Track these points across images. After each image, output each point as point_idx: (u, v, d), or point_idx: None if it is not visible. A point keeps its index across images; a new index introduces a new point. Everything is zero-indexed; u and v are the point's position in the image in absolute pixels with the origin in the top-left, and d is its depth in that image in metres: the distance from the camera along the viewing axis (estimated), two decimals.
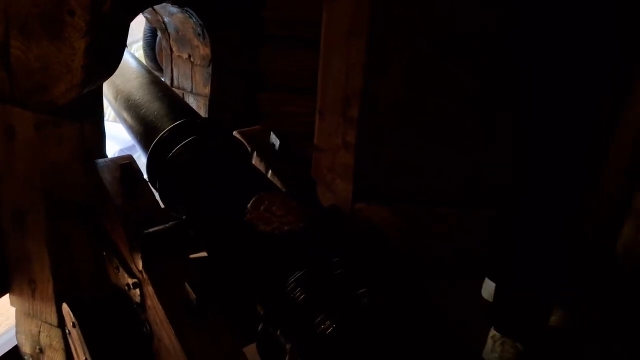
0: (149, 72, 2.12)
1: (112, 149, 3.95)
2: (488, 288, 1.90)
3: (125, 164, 1.52)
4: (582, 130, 1.93)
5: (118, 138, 3.63)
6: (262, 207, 1.25)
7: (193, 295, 1.14)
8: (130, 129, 1.88)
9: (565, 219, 1.85)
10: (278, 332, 1.00)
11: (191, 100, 2.64)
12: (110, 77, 1.58)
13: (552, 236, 1.85)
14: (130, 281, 1.39)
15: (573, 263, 1.63)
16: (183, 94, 2.67)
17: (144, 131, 1.77)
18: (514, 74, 2.03)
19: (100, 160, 1.57)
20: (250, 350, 1.17)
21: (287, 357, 0.96)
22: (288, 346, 0.97)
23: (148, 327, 1.37)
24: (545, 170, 2.01)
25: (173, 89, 2.63)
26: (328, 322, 0.97)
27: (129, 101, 1.90)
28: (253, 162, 1.78)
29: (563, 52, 1.94)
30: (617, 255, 1.58)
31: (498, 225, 1.99)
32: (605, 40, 1.83)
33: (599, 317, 1.48)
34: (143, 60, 2.93)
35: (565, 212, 1.89)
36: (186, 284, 1.17)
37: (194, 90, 2.65)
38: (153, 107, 1.79)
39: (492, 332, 1.54)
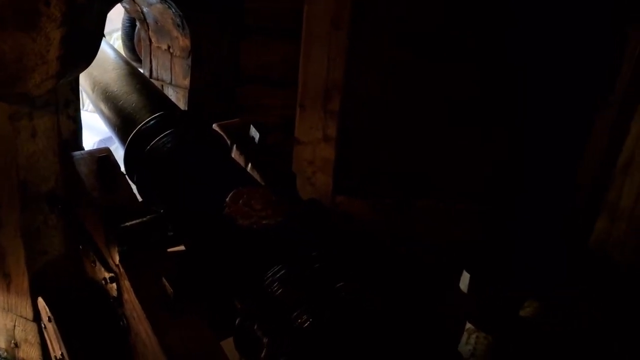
0: (127, 63, 2.09)
1: (91, 140, 3.90)
2: (466, 281, 1.92)
3: (102, 156, 1.50)
4: (579, 128, 1.95)
5: (96, 129, 3.58)
6: (240, 201, 1.24)
7: (170, 290, 1.13)
8: (108, 121, 1.85)
9: (563, 217, 1.88)
10: (255, 327, 1.00)
11: (170, 92, 2.61)
12: (88, 69, 1.55)
13: (550, 235, 1.87)
14: (107, 275, 1.37)
15: (571, 262, 1.64)
16: (162, 85, 2.64)
17: (121, 123, 1.74)
18: (510, 73, 2.04)
19: (77, 153, 1.55)
20: (228, 344, 1.17)
21: (264, 351, 0.96)
22: (265, 340, 0.97)
23: (125, 322, 1.36)
24: (541, 168, 2.03)
25: (152, 80, 2.60)
26: (305, 316, 0.97)
27: (106, 93, 1.87)
28: (233, 155, 1.77)
29: (559, 51, 1.96)
30: (591, 247, 1.61)
31: (495, 224, 2.01)
32: (601, 40, 1.85)
33: (599, 316, 1.49)
34: (121, 51, 2.89)
35: (563, 210, 1.91)
36: (163, 278, 1.16)
37: (173, 82, 2.61)
38: (131, 99, 1.77)
39: (467, 325, 1.55)
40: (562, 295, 1.53)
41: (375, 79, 2.44)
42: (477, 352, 1.54)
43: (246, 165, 1.73)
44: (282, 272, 1.05)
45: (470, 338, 1.55)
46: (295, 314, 0.98)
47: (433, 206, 2.45)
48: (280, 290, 1.02)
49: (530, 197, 2.02)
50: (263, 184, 1.60)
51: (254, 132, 1.78)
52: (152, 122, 1.59)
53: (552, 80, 1.96)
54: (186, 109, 2.52)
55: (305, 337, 0.95)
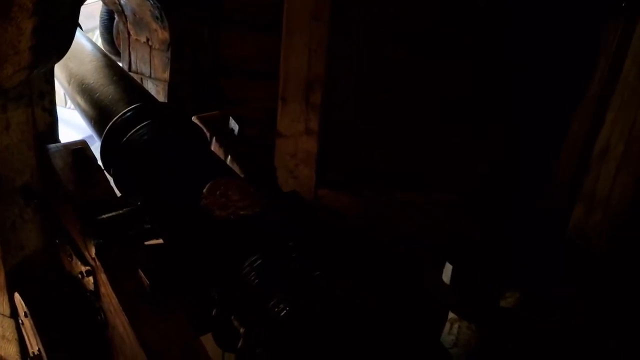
0: (104, 55, 2.06)
1: (73, 138, 3.82)
2: (448, 273, 1.93)
3: (78, 149, 1.48)
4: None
5: (81, 126, 3.52)
6: (217, 193, 1.23)
7: (146, 282, 1.12)
8: (84, 113, 1.83)
9: (561, 215, 1.88)
10: (232, 317, 0.99)
11: (150, 86, 2.58)
12: (64, 60, 1.53)
13: (548, 233, 1.88)
14: (83, 269, 1.36)
15: (569, 261, 1.65)
16: (142, 79, 2.62)
17: (98, 116, 1.72)
18: (508, 72, 2.05)
19: (52, 146, 1.52)
20: (210, 339, 1.16)
21: (240, 341, 0.96)
22: (242, 330, 0.97)
23: (102, 316, 1.34)
24: (540, 166, 2.03)
25: (131, 73, 2.57)
26: (282, 306, 0.96)
27: (82, 85, 1.84)
28: (212, 147, 1.75)
29: (557, 48, 1.96)
30: (569, 235, 1.63)
31: (493, 222, 2.01)
32: (595, 35, 1.85)
33: (594, 314, 1.50)
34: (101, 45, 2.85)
35: (561, 209, 1.92)
36: (139, 271, 1.15)
37: (152, 75, 2.59)
38: (108, 91, 1.74)
39: (450, 314, 1.56)
40: (560, 293, 1.54)
41: (358, 71, 2.44)
42: (460, 342, 1.56)
43: (225, 157, 1.72)
44: (259, 262, 1.04)
45: (453, 328, 1.56)
46: (272, 303, 0.98)
47: (415, 199, 2.46)
48: (257, 280, 1.02)
49: (528, 195, 2.02)
50: (242, 175, 1.59)
51: (234, 124, 1.77)
52: (128, 114, 1.57)
53: (550, 78, 1.96)
54: (166, 102, 2.50)
55: (282, 327, 0.95)
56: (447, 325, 1.58)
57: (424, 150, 2.37)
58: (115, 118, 1.58)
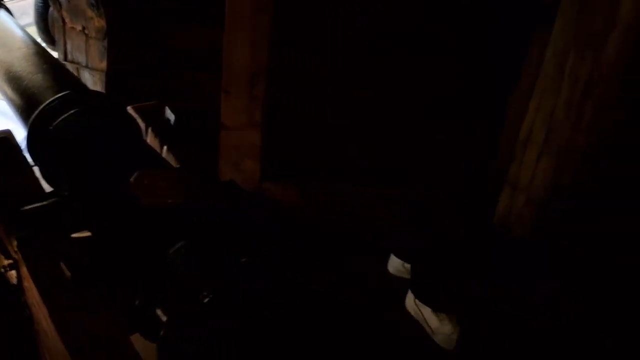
0: (35, 43, 1.98)
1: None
2: (393, 264, 1.96)
3: (1, 138, 1.42)
4: None
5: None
6: (145, 181, 1.20)
7: (68, 273, 1.08)
8: (11, 102, 1.75)
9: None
10: (154, 304, 0.97)
11: (87, 76, 2.50)
12: None
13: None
14: (6, 262, 1.30)
15: (552, 257, 1.67)
16: (78, 68, 2.53)
17: (25, 104, 1.65)
18: (492, 70, 2.06)
19: None
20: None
21: (162, 330, 0.93)
22: (164, 319, 0.94)
23: (28, 310, 1.29)
24: None
25: (67, 63, 2.49)
26: (205, 293, 0.95)
27: (10, 73, 1.77)
28: (148, 138, 1.72)
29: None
30: (496, 222, 1.66)
31: (477, 220, 2.02)
32: None
33: (579, 310, 1.52)
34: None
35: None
36: (61, 263, 1.11)
37: (89, 65, 2.51)
38: (36, 79, 1.68)
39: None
40: (544, 290, 1.56)
41: (302, 63, 2.43)
42: (444, 336, 1.58)
43: (161, 147, 1.69)
44: (184, 248, 1.02)
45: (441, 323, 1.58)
46: (196, 290, 0.96)
47: (361, 192, 2.47)
48: (181, 267, 1.00)
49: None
50: (178, 165, 1.57)
51: (170, 114, 1.73)
52: (55, 102, 1.51)
53: None
54: (99, 91, 2.43)
55: (205, 314, 0.93)
56: (435, 320, 1.60)
57: (401, 147, 2.36)
58: (42, 106, 1.52)
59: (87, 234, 1.35)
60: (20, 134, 1.67)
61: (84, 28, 2.47)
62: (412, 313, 1.72)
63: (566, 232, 1.53)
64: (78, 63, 2.54)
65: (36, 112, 1.52)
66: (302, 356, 0.95)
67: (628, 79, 1.30)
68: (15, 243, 1.27)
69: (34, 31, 3.31)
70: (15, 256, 1.28)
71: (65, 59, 2.57)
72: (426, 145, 2.23)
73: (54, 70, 1.75)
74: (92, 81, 2.47)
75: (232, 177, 2.55)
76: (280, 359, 0.92)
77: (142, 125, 1.71)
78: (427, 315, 1.67)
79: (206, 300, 0.92)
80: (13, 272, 1.31)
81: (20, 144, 1.58)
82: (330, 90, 2.41)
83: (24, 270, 1.25)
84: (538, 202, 1.51)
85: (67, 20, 2.53)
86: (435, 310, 1.64)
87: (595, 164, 1.44)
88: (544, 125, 1.48)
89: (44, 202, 1.29)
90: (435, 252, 1.87)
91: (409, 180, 2.24)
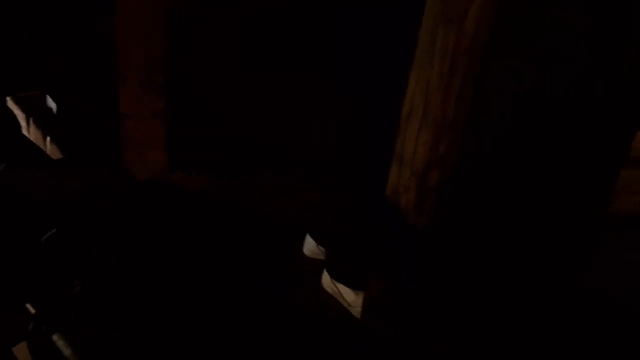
0: None
1: None
2: (308, 245, 1.99)
3: None
4: None
5: None
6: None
7: None
8: None
9: None
10: (22, 295, 0.94)
11: None
12: None
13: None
14: None
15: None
16: None
17: None
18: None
19: None
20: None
21: (31, 324, 0.91)
22: (33, 311, 0.92)
23: None
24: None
25: None
26: (76, 281, 0.94)
27: None
28: (29, 129, 1.64)
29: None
30: (386, 198, 1.72)
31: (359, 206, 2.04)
32: None
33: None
34: None
35: None
36: None
37: None
38: None
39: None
40: (419, 284, 1.62)
41: (204, 48, 2.41)
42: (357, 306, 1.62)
43: (44, 138, 1.62)
44: (54, 236, 1.00)
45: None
46: (66, 279, 0.95)
47: (269, 178, 2.48)
48: (49, 255, 0.98)
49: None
50: (62, 156, 1.52)
51: (51, 103, 1.67)
52: None
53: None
54: None
55: (75, 303, 0.92)
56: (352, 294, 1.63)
57: (273, 132, 2.37)
58: None
59: None
60: None
61: None
62: (329, 291, 1.78)
63: (447, 205, 1.60)
64: None
65: None
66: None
67: (488, 50, 1.38)
68: None
69: None
70: None
71: None
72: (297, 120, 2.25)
73: None
74: None
75: (138, 168, 2.50)
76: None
77: (22, 116, 1.63)
78: (344, 291, 1.73)
79: (77, 289, 0.91)
80: None
81: None
82: (216, 76, 2.40)
83: None
84: (420, 173, 1.57)
85: None
86: (351, 287, 1.71)
87: (467, 135, 1.50)
88: (422, 98, 1.53)
89: None
90: (347, 236, 1.93)
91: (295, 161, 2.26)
